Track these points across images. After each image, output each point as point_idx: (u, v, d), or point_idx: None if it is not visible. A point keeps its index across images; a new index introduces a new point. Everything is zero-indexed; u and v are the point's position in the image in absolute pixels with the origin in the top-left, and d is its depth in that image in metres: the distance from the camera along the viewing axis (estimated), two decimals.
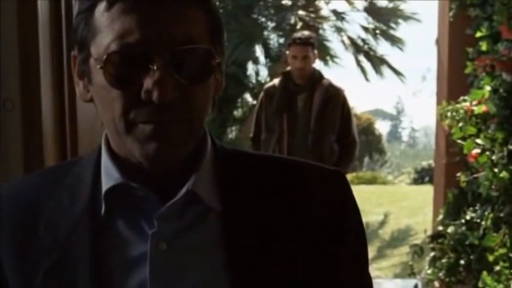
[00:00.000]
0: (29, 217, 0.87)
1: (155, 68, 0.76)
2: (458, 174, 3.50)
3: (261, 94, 4.23)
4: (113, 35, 0.78)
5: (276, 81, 4.14)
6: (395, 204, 9.77)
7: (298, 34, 4.13)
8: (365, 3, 11.35)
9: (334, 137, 3.98)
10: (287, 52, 4.15)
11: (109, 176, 0.85)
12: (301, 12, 10.59)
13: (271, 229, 0.84)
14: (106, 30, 0.79)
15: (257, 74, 11.77)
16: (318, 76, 4.04)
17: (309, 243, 0.85)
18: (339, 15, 11.32)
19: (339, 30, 11.35)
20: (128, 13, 0.77)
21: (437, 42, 4.12)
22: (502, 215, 3.04)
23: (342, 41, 11.51)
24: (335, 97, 3.96)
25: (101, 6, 0.79)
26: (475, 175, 3.30)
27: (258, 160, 0.92)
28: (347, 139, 4.02)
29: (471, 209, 3.44)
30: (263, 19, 11.28)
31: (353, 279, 0.90)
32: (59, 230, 0.85)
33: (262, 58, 11.63)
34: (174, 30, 0.78)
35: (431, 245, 3.65)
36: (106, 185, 0.85)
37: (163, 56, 0.77)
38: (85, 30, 0.81)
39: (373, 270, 6.36)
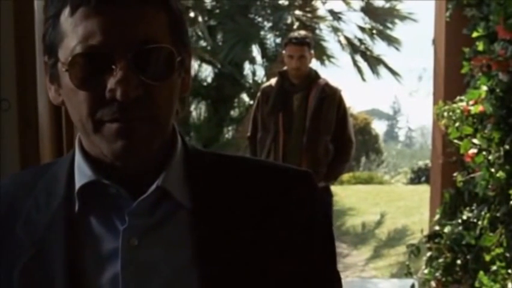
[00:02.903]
0: (8, 216, 0.90)
1: (118, 68, 0.79)
2: (455, 174, 3.51)
3: (258, 93, 4.24)
4: (77, 39, 0.81)
5: (273, 80, 4.14)
6: (392, 204, 9.78)
7: (294, 34, 4.13)
8: (362, 3, 11.36)
9: (329, 136, 3.97)
10: (283, 52, 4.15)
11: (82, 173, 0.88)
12: (298, 12, 10.59)
13: (239, 226, 0.87)
14: (71, 34, 0.82)
15: (254, 74, 11.78)
16: (314, 76, 4.04)
17: (277, 241, 0.88)
18: (335, 15, 11.32)
19: (335, 30, 11.36)
20: (90, 17, 0.80)
21: (434, 42, 4.12)
22: (498, 214, 3.05)
23: (339, 41, 11.53)
24: (330, 97, 3.96)
25: (65, 12, 0.83)
26: (472, 175, 3.30)
27: (228, 161, 0.95)
28: (342, 139, 4.01)
29: (468, 208, 3.44)
30: (260, 19, 11.29)
31: (321, 277, 0.92)
32: (36, 227, 0.88)
33: (259, 58, 11.66)
34: (135, 31, 0.81)
35: (428, 245, 3.65)
36: (79, 182, 0.88)
37: (125, 56, 0.79)
38: (53, 35, 0.85)
39: (370, 270, 6.36)
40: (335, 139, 4.00)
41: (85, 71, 0.81)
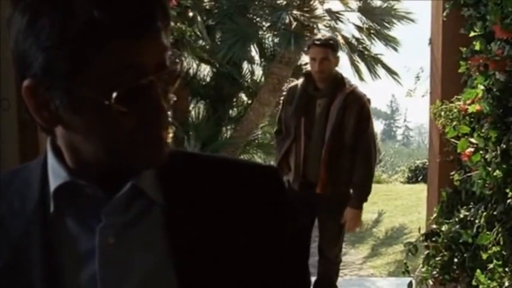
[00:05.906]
0: None
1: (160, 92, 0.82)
2: (452, 173, 3.51)
3: (284, 92, 4.19)
4: (122, 70, 0.78)
5: (300, 81, 4.07)
6: (390, 203, 9.81)
7: (318, 35, 4.10)
8: (359, 3, 11.36)
9: (349, 146, 3.88)
10: (307, 55, 4.07)
11: (56, 175, 0.88)
12: (296, 12, 10.59)
13: (210, 221, 0.90)
14: (108, 65, 0.78)
15: (252, 73, 11.77)
16: (340, 81, 3.94)
17: (247, 233, 0.91)
18: (333, 14, 11.33)
19: (333, 30, 11.37)
20: (131, 47, 0.78)
21: (431, 41, 4.13)
22: (495, 213, 3.06)
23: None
24: (353, 105, 3.86)
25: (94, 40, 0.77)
26: (469, 174, 3.31)
27: (199, 159, 0.99)
28: (362, 148, 3.91)
29: (465, 207, 3.45)
30: (258, 19, 11.28)
31: (290, 272, 0.96)
32: (11, 231, 0.88)
33: (257, 57, 11.65)
34: (165, 56, 0.82)
35: (425, 243, 3.65)
36: (53, 184, 0.88)
37: (161, 81, 0.82)
38: (68, 60, 0.78)
39: (367, 268, 6.39)
40: (354, 148, 3.88)
41: (133, 105, 0.81)
